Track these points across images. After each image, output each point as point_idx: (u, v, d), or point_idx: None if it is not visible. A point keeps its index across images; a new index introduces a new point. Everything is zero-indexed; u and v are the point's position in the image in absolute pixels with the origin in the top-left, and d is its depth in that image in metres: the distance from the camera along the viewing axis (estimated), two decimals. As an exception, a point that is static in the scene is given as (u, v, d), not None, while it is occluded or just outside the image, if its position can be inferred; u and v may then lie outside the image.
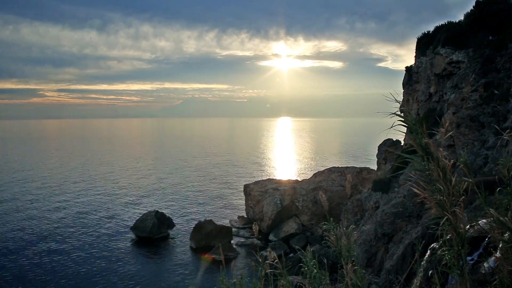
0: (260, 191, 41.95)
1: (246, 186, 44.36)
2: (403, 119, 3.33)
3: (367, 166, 44.36)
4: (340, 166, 46.96)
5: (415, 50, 33.78)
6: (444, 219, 3.00)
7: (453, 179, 3.02)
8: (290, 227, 38.44)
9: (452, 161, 3.09)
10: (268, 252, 4.19)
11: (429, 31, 31.84)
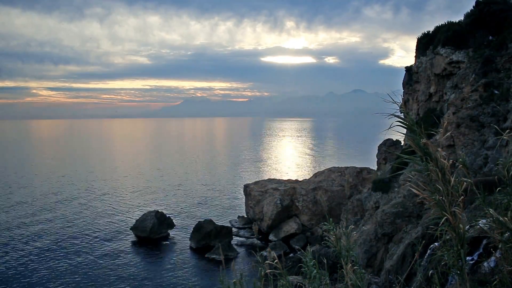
0: (260, 191, 41.94)
1: (246, 186, 44.34)
2: (401, 120, 3.33)
3: (367, 166, 44.28)
4: (340, 166, 46.92)
5: (415, 50, 33.80)
6: (443, 219, 3.01)
7: (452, 179, 3.02)
8: (290, 227, 38.43)
9: (451, 161, 3.09)
10: (268, 252, 4.19)
11: (429, 31, 31.84)
